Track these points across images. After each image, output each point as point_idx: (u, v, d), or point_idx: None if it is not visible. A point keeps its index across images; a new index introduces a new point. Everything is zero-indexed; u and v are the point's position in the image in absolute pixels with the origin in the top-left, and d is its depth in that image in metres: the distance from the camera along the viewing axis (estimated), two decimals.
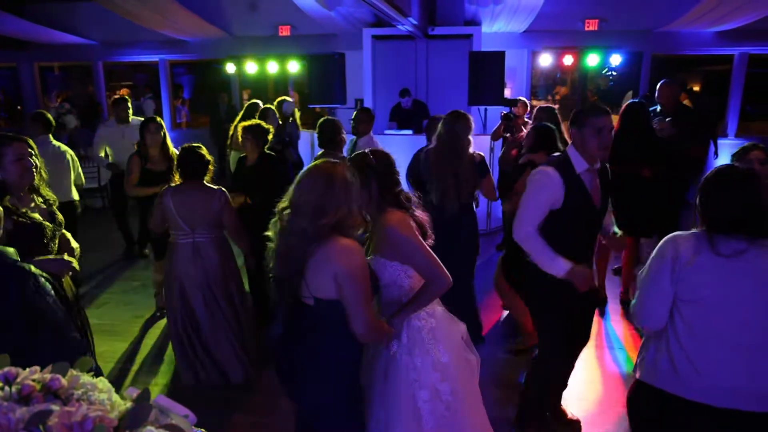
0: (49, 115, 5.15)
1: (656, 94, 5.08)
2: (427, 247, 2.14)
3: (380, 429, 2.15)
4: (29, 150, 2.54)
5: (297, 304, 1.91)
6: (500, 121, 5.52)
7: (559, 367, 2.93)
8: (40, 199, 2.65)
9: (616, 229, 2.87)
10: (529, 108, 6.29)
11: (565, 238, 2.55)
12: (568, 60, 8.51)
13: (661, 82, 5.09)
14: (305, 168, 1.95)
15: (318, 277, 1.84)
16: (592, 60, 8.22)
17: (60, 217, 2.71)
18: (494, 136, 5.94)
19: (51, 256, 2.51)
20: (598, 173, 2.65)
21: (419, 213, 2.23)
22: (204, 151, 3.38)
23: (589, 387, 3.49)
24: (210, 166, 3.40)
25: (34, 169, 2.57)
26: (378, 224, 2.17)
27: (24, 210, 2.51)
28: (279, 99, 5.82)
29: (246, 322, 3.59)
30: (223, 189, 3.39)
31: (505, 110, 5.59)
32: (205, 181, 3.40)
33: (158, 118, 4.55)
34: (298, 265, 1.85)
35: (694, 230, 1.88)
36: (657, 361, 1.90)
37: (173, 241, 3.40)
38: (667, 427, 1.90)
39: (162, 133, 4.42)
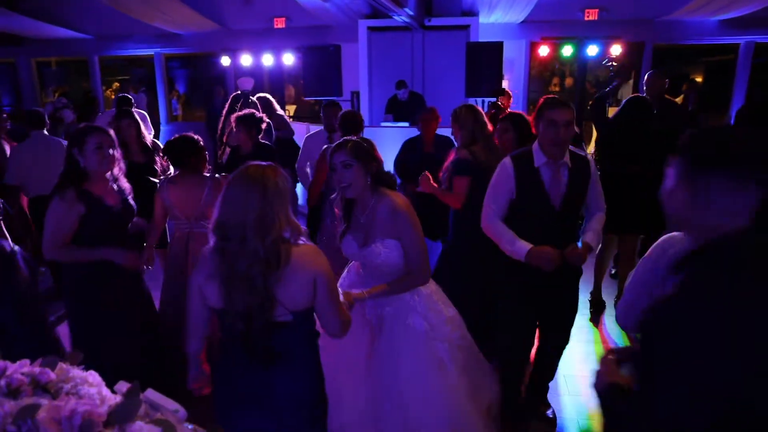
0: (41, 112, 5.15)
1: (644, 86, 4.98)
2: (423, 242, 2.28)
3: (397, 388, 2.30)
4: (109, 140, 2.67)
5: (268, 327, 1.74)
6: (487, 110, 5.57)
7: (512, 358, 2.87)
8: (117, 188, 2.78)
9: (584, 240, 2.70)
10: (512, 99, 6.37)
11: (523, 230, 2.58)
12: (567, 51, 8.44)
13: (649, 72, 5.00)
14: (231, 177, 1.76)
15: (295, 288, 1.72)
16: (592, 50, 8.15)
17: (134, 207, 2.85)
18: None
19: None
20: (570, 169, 2.59)
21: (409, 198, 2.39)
22: (196, 139, 3.34)
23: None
24: (203, 154, 3.36)
25: (112, 159, 2.70)
26: (377, 208, 2.26)
27: (99, 197, 2.64)
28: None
29: None
30: (216, 176, 3.36)
31: (491, 100, 5.67)
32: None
33: (130, 111, 4.43)
34: (264, 290, 1.68)
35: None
36: None
37: (172, 233, 3.41)
38: None
39: (135, 127, 4.28)
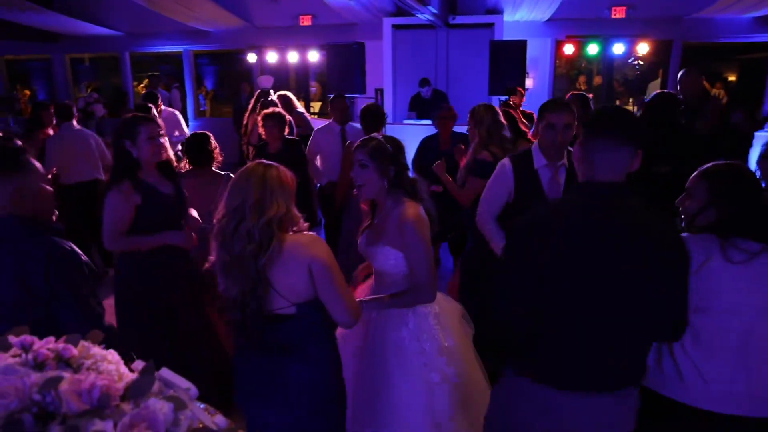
0: (69, 104, 5.35)
1: (677, 86, 4.66)
2: (432, 257, 2.14)
3: (388, 413, 2.18)
4: (158, 129, 2.71)
5: (270, 320, 1.75)
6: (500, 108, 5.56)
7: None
8: (169, 177, 2.80)
9: None
10: (524, 98, 6.31)
11: None
12: (592, 49, 8.33)
13: (682, 71, 4.68)
14: (237, 172, 1.83)
15: (290, 278, 1.72)
16: (618, 49, 8.02)
17: (185, 194, 2.86)
18: None
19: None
20: (568, 170, 2.58)
21: (426, 200, 2.22)
22: (210, 138, 3.39)
23: None
24: (215, 153, 3.40)
25: (164, 148, 2.74)
26: (391, 213, 2.16)
27: (153, 186, 2.68)
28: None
29: None
30: (231, 174, 3.38)
31: (503, 98, 5.65)
32: (213, 168, 3.40)
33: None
34: (253, 272, 1.69)
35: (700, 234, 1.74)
36: (661, 368, 1.82)
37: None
38: None
39: None
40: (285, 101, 5.64)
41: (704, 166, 1.82)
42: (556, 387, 1.62)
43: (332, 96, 5.02)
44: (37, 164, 1.80)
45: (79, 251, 1.79)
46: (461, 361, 2.25)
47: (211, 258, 1.83)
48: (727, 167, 1.79)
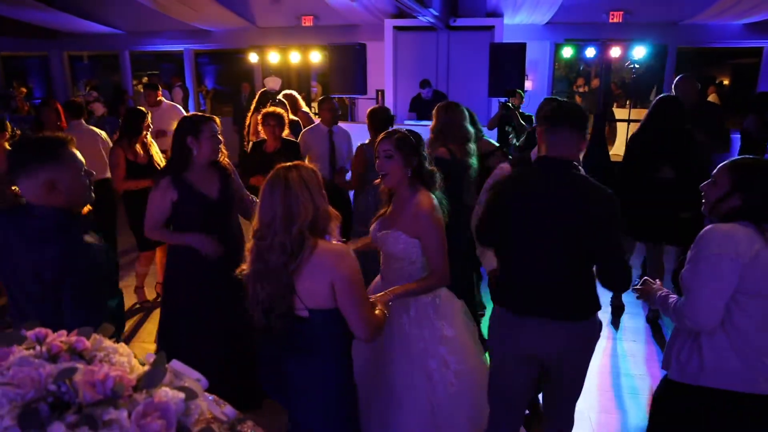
0: (79, 102, 5.35)
1: (673, 91, 4.64)
2: (446, 243, 2.25)
3: (391, 400, 2.28)
4: (217, 128, 2.77)
5: (290, 319, 1.82)
6: (498, 111, 5.67)
7: None
8: (220, 180, 2.82)
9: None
10: (524, 99, 6.37)
11: None
12: (590, 52, 8.39)
13: (678, 77, 4.71)
14: (264, 184, 1.85)
15: (312, 286, 1.77)
16: (615, 52, 8.08)
17: (233, 198, 2.87)
18: (491, 125, 5.97)
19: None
20: None
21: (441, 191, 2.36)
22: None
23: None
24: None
25: (221, 148, 2.81)
26: (407, 202, 2.27)
27: (193, 184, 2.72)
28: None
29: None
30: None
31: (503, 100, 5.70)
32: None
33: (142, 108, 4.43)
34: (284, 279, 1.75)
35: (730, 224, 1.82)
36: (720, 362, 1.84)
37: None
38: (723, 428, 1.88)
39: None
40: (291, 100, 5.66)
41: (731, 159, 1.93)
42: (512, 312, 2.12)
43: (321, 98, 5.03)
44: (79, 157, 1.78)
45: (103, 247, 1.77)
46: (461, 351, 2.36)
47: (244, 267, 1.87)
48: (754, 160, 1.91)
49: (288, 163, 1.85)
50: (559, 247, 2.01)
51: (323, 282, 1.76)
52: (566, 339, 2.06)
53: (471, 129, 3.57)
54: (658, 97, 4.12)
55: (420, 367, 2.29)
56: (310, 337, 1.82)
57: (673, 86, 4.73)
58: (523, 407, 2.35)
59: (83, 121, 5.18)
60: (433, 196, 2.29)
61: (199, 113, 2.89)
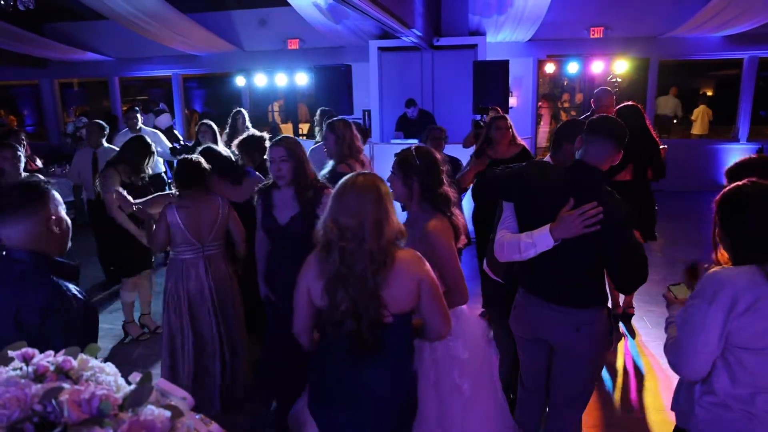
0: (101, 123, 5.55)
1: (592, 104, 4.66)
2: (458, 260, 2.22)
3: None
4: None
5: (375, 326, 1.81)
6: (471, 129, 5.67)
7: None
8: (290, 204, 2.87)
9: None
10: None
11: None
12: (572, 68, 8.56)
13: (599, 89, 4.70)
14: (341, 184, 1.85)
15: (398, 291, 1.81)
16: (597, 67, 8.27)
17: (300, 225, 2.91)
18: (466, 143, 5.98)
19: None
20: None
21: (457, 214, 2.30)
22: (201, 161, 3.24)
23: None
24: (207, 174, 3.25)
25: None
26: (416, 223, 2.24)
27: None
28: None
29: (241, 334, 3.42)
30: (224, 197, 3.30)
31: (476, 118, 5.72)
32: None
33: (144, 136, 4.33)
34: (370, 285, 1.77)
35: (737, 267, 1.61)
36: (719, 414, 1.65)
37: (176, 258, 3.23)
38: None
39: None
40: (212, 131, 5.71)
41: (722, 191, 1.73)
42: (526, 290, 2.39)
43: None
44: (57, 198, 1.75)
45: (77, 293, 1.70)
46: (476, 374, 2.25)
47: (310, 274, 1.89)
48: (738, 189, 1.67)
49: (368, 172, 1.90)
50: (580, 246, 2.14)
51: (409, 286, 1.82)
52: (569, 324, 2.25)
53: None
54: (619, 106, 4.24)
55: (432, 387, 2.19)
56: (391, 342, 1.86)
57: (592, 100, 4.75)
58: (541, 388, 2.52)
59: (104, 141, 5.42)
60: (446, 221, 2.23)
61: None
